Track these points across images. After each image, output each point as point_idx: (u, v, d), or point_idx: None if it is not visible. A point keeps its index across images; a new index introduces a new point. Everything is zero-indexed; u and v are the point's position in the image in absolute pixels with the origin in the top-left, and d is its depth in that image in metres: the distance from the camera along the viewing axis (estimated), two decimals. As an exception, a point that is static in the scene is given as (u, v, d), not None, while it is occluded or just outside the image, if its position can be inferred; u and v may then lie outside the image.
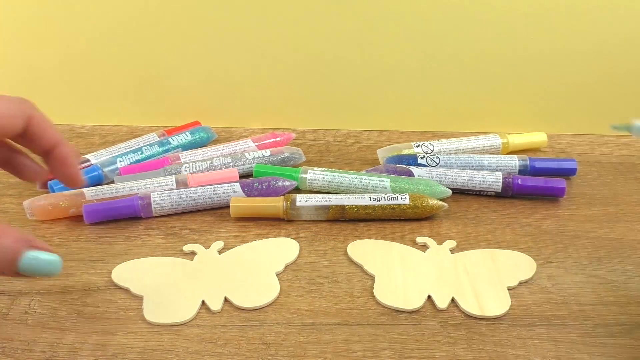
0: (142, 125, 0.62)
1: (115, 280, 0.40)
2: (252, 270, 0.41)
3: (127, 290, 0.39)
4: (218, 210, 0.48)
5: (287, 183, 0.49)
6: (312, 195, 0.47)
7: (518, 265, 0.41)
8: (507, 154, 0.55)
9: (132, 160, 0.53)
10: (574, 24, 0.56)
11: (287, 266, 0.41)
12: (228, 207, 0.47)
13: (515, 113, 0.60)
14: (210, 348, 0.35)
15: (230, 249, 0.43)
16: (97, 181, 0.51)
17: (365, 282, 0.40)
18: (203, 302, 0.38)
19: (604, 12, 0.55)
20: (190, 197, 0.47)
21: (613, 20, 0.55)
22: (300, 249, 0.43)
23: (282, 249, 0.43)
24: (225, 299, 0.38)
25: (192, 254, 0.42)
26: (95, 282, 0.40)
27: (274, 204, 0.46)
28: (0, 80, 0.60)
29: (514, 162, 0.52)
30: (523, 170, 0.52)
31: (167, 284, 0.39)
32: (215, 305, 0.37)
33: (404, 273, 0.40)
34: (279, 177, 0.50)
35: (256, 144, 0.56)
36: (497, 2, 0.55)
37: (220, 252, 0.43)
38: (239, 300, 0.38)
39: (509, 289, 0.39)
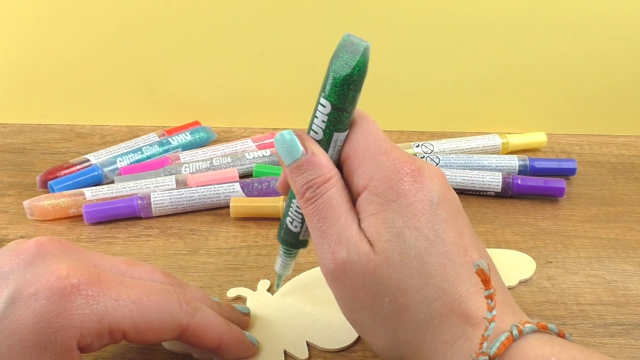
0: (142, 125, 0.62)
1: (167, 347, 0.35)
2: (318, 306, 0.37)
3: None
4: (218, 210, 0.48)
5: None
6: (312, 195, 0.47)
7: (518, 265, 0.41)
8: (507, 154, 0.55)
9: (132, 160, 0.53)
10: (574, 24, 0.56)
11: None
12: (228, 207, 0.47)
13: (515, 113, 0.60)
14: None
15: (281, 286, 0.39)
16: (97, 181, 0.51)
17: (365, 282, 0.40)
18: (285, 352, 0.34)
19: (604, 13, 0.55)
20: (190, 197, 0.47)
21: (613, 20, 0.55)
22: (301, 250, 0.43)
23: None
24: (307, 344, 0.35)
25: (240, 299, 0.39)
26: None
27: (274, 204, 0.46)
28: (0, 81, 0.60)
29: (513, 162, 0.52)
30: (523, 170, 0.52)
31: None
32: (302, 353, 0.34)
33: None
34: (279, 177, 0.49)
35: (256, 144, 0.56)
36: (497, 2, 0.55)
37: (269, 290, 0.39)
38: (324, 343, 0.35)
39: (509, 288, 0.39)
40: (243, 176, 0.52)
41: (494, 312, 0.24)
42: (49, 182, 0.49)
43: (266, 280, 0.40)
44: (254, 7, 0.56)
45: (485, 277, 0.25)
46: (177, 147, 0.56)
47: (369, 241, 0.27)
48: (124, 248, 0.44)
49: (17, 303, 0.26)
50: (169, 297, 0.29)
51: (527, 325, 0.24)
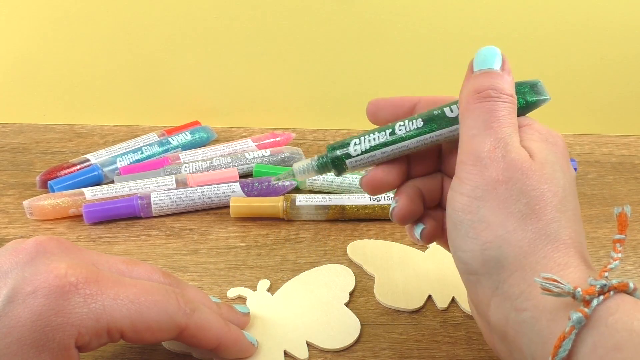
0: (142, 125, 0.62)
1: (167, 347, 0.35)
2: (318, 306, 0.37)
3: None
4: (218, 210, 0.48)
5: (287, 183, 0.49)
6: (312, 195, 0.47)
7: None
8: (507, 154, 0.55)
9: (132, 160, 0.53)
10: (574, 25, 0.56)
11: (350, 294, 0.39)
12: (228, 207, 0.47)
13: (515, 113, 0.60)
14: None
15: (279, 287, 0.39)
16: (97, 181, 0.51)
17: (365, 282, 0.40)
18: (285, 352, 0.34)
19: (604, 14, 0.55)
20: (190, 197, 0.47)
21: (613, 21, 0.55)
22: (301, 250, 0.43)
23: (335, 278, 0.40)
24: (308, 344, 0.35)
25: (240, 298, 0.38)
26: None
27: (274, 203, 0.46)
28: (0, 81, 0.60)
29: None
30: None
31: None
32: (302, 353, 0.34)
33: (404, 273, 0.40)
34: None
35: (256, 143, 0.56)
36: (497, 3, 0.55)
37: (269, 290, 0.39)
38: (324, 343, 0.35)
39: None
40: (243, 176, 0.52)
41: (620, 254, 0.26)
42: (48, 182, 0.49)
43: (266, 280, 0.40)
44: (254, 8, 0.56)
45: (625, 222, 0.27)
46: (177, 147, 0.56)
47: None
48: (123, 248, 0.43)
49: (15, 301, 0.26)
50: (168, 297, 0.29)
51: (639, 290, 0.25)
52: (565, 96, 0.59)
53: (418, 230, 0.33)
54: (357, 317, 0.36)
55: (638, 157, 0.57)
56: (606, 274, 0.25)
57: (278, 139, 0.57)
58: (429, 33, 0.57)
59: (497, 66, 0.30)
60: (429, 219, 0.33)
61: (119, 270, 0.31)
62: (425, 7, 0.55)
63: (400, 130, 0.31)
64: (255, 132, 0.61)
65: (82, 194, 0.47)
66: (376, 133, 0.32)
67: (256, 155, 0.53)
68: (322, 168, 0.33)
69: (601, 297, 0.24)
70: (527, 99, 0.31)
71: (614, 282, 0.24)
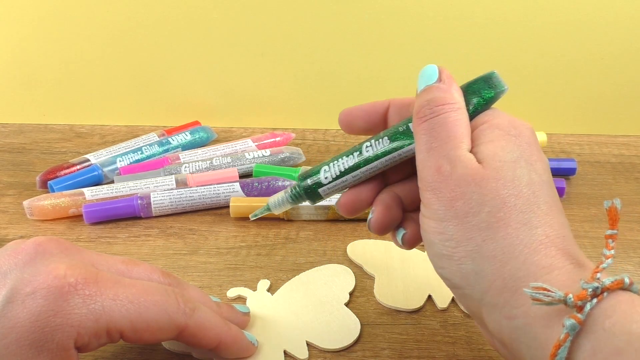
0: (142, 125, 0.62)
1: (167, 347, 0.35)
2: (318, 306, 0.37)
3: None
4: (218, 210, 0.48)
5: (287, 183, 0.49)
6: (312, 195, 0.47)
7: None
8: (507, 153, 0.55)
9: (132, 160, 0.53)
10: (574, 25, 0.56)
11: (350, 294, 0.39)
12: (228, 207, 0.47)
13: (515, 113, 0.60)
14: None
15: (279, 287, 0.39)
16: (97, 181, 0.51)
17: (365, 282, 0.40)
18: (285, 352, 0.34)
19: (604, 14, 0.55)
20: (190, 197, 0.47)
21: (613, 21, 0.55)
22: (301, 250, 0.43)
23: (335, 278, 0.40)
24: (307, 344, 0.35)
25: (240, 298, 0.38)
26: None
27: (274, 203, 0.46)
28: (0, 81, 0.60)
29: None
30: (523, 170, 0.52)
31: None
32: (302, 353, 0.34)
33: (404, 273, 0.40)
34: (279, 177, 0.50)
35: (256, 143, 0.56)
36: (497, 3, 0.55)
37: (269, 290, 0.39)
38: (324, 343, 0.35)
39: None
40: (243, 176, 0.52)
41: (612, 252, 0.25)
42: (48, 182, 0.49)
43: (266, 280, 0.40)
44: (254, 8, 0.56)
45: (616, 216, 0.25)
46: (177, 147, 0.56)
47: (478, 161, 0.28)
48: (123, 248, 0.43)
49: (14, 302, 0.26)
50: (167, 297, 0.29)
51: (635, 284, 0.24)
52: (565, 96, 0.59)
53: (399, 235, 0.32)
54: (357, 317, 0.36)
55: (638, 157, 0.57)
56: (598, 274, 0.24)
57: (278, 139, 0.57)
58: (430, 33, 0.57)
59: (433, 79, 0.30)
60: (410, 222, 0.32)
61: (118, 270, 0.31)
62: (425, 7, 0.55)
63: (367, 151, 0.31)
64: (255, 132, 0.61)
65: (82, 194, 0.47)
66: (344, 157, 0.32)
67: (256, 155, 0.53)
68: (296, 199, 0.33)
69: (595, 300, 0.23)
70: (484, 96, 0.30)
71: (608, 281, 0.23)
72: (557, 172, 0.52)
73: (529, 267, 0.25)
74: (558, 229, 0.26)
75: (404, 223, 0.32)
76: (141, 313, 0.28)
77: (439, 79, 0.30)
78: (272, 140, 0.56)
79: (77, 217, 0.47)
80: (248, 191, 0.48)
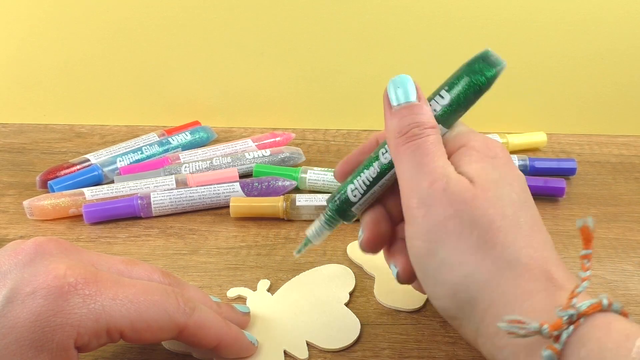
0: (142, 125, 0.62)
1: (167, 347, 0.35)
2: (318, 306, 0.37)
3: None
4: (218, 210, 0.48)
5: (287, 183, 0.49)
6: (312, 195, 0.47)
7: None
8: (507, 153, 0.55)
9: (132, 160, 0.53)
10: (574, 24, 0.56)
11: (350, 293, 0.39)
12: (228, 207, 0.47)
13: (515, 113, 0.60)
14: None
15: (279, 287, 0.39)
16: (97, 181, 0.51)
17: (365, 282, 0.40)
18: (285, 352, 0.34)
19: (604, 14, 0.55)
20: (190, 197, 0.47)
21: (613, 21, 0.55)
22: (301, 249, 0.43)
23: (335, 278, 0.40)
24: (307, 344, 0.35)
25: (240, 298, 0.39)
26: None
27: (274, 203, 0.46)
28: (0, 81, 0.60)
29: (513, 162, 0.52)
30: (523, 170, 0.51)
31: None
32: (302, 353, 0.34)
33: (403, 273, 0.40)
34: (279, 176, 0.50)
35: (256, 143, 0.56)
36: (497, 2, 0.55)
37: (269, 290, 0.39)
38: (324, 343, 0.35)
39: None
40: (243, 176, 0.52)
41: (588, 273, 0.24)
42: (48, 182, 0.49)
43: (266, 280, 0.40)
44: (253, 8, 0.56)
45: (589, 236, 0.25)
46: (177, 147, 0.56)
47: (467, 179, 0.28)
48: (124, 248, 0.44)
49: (14, 302, 0.26)
50: (167, 297, 0.29)
51: (615, 303, 0.24)
52: (565, 96, 0.59)
53: (394, 272, 0.33)
54: (357, 317, 0.36)
55: (638, 157, 0.57)
56: (574, 300, 0.23)
57: (278, 139, 0.57)
58: (430, 33, 0.57)
59: (413, 97, 0.30)
60: (399, 257, 0.32)
61: (118, 270, 0.31)
62: (425, 7, 0.55)
63: (386, 158, 0.31)
64: (255, 132, 0.61)
65: (82, 194, 0.47)
66: (365, 171, 0.32)
67: (256, 155, 0.53)
68: (331, 223, 0.34)
69: (571, 328, 0.23)
70: (487, 75, 0.30)
71: (584, 306, 0.23)
72: (557, 172, 0.52)
73: (515, 290, 0.25)
74: (540, 249, 0.26)
75: (394, 258, 0.33)
76: (141, 313, 0.28)
77: (419, 97, 0.30)
78: (272, 140, 0.56)
79: (77, 217, 0.47)
80: (248, 191, 0.48)
